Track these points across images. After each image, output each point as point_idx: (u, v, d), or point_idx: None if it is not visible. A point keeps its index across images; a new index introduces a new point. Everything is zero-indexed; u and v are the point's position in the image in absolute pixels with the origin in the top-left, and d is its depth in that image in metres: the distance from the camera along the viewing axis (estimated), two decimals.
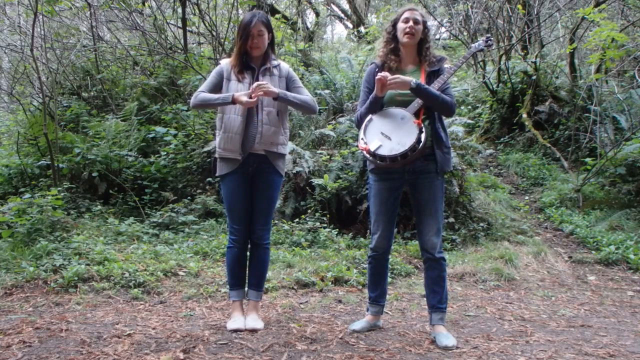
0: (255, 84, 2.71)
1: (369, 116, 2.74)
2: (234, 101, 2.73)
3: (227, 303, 3.32)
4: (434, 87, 2.63)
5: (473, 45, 2.92)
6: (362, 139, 2.71)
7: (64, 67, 7.00)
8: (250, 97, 2.71)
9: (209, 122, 6.08)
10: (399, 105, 2.69)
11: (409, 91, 2.66)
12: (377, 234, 2.78)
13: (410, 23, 2.70)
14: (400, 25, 2.74)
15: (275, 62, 2.91)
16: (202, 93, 2.84)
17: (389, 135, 2.63)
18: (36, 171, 5.69)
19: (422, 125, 2.60)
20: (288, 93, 2.82)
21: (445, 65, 2.74)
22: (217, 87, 2.88)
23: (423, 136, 2.58)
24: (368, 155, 2.68)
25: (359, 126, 2.81)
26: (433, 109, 2.70)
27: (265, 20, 2.83)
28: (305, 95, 2.90)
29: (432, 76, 2.71)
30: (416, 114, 2.63)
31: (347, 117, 6.22)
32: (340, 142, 5.96)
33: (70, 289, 3.44)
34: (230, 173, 2.84)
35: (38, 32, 6.03)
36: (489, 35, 2.98)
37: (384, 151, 2.62)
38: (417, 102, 2.64)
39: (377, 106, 2.73)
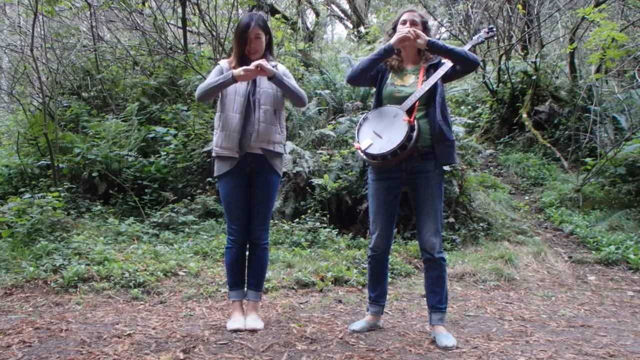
0: (254, 63, 2.71)
1: (365, 115, 2.79)
2: (234, 79, 2.73)
3: (227, 303, 3.32)
4: (431, 82, 2.63)
5: (474, 37, 2.91)
6: (355, 137, 2.76)
7: (64, 67, 7.01)
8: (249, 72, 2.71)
9: (209, 122, 6.08)
10: (397, 102, 2.70)
11: (407, 88, 2.68)
12: (376, 233, 2.79)
13: (408, 24, 2.72)
14: (400, 28, 2.74)
15: (273, 63, 2.91)
16: (202, 83, 2.84)
17: (380, 134, 2.66)
18: (36, 171, 5.69)
19: (415, 122, 2.60)
20: (283, 80, 2.81)
21: (444, 60, 2.74)
22: None
23: (414, 134, 2.58)
24: (362, 154, 2.71)
25: (351, 76, 2.81)
26: (457, 63, 2.67)
27: (262, 23, 2.84)
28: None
29: (430, 69, 2.72)
30: (409, 111, 2.64)
31: (347, 117, 6.22)
32: (340, 142, 5.96)
33: (70, 289, 3.44)
34: (227, 173, 2.84)
35: (38, 32, 6.03)
36: (491, 26, 2.96)
37: (373, 150, 2.64)
38: (411, 100, 2.64)
39: (384, 56, 2.72)
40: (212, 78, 2.86)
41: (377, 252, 2.82)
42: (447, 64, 2.69)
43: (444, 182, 2.83)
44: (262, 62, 2.71)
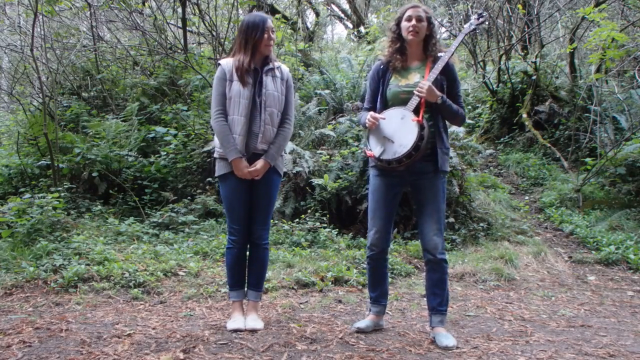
0: (254, 169, 2.78)
1: None
2: (232, 162, 2.77)
3: (227, 303, 3.32)
4: (430, 78, 2.61)
5: (466, 25, 2.87)
6: (366, 144, 2.74)
7: (64, 67, 7.00)
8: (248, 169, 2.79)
9: (209, 122, 6.07)
10: (403, 103, 2.67)
11: (413, 87, 2.66)
12: (374, 230, 2.77)
13: (414, 21, 2.67)
14: (404, 24, 2.71)
15: (276, 64, 2.92)
16: (221, 122, 2.80)
17: (391, 138, 2.63)
18: (36, 171, 5.69)
19: (423, 121, 2.59)
20: (276, 155, 2.86)
21: (440, 54, 2.72)
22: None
23: (425, 132, 2.57)
24: (376, 161, 2.69)
25: (364, 126, 2.88)
26: (448, 120, 2.74)
27: (271, 19, 2.88)
28: (286, 127, 2.92)
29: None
30: (416, 111, 2.62)
31: (347, 117, 6.22)
32: (340, 142, 5.96)
33: (70, 289, 3.44)
34: (230, 173, 2.84)
35: (38, 32, 6.03)
36: (481, 11, 2.91)
37: (388, 155, 2.63)
38: (415, 99, 2.62)
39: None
40: (219, 89, 2.82)
41: (375, 251, 2.80)
42: (444, 58, 2.66)
43: (446, 182, 2.82)
44: (257, 170, 2.79)
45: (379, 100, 2.80)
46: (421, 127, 2.56)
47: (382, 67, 2.81)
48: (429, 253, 2.68)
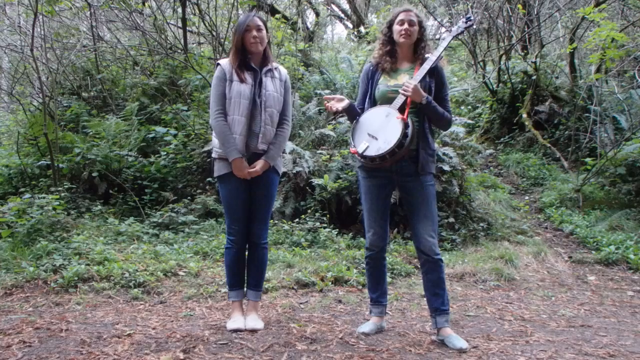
0: (254, 170, 2.80)
1: (356, 118, 2.78)
2: (232, 162, 2.77)
3: (227, 303, 3.32)
4: (417, 78, 2.62)
5: (453, 28, 2.89)
6: (350, 142, 2.75)
7: (64, 67, 7.00)
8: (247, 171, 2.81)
9: (209, 122, 6.08)
10: (391, 102, 2.68)
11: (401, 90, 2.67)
12: (371, 232, 2.78)
13: (406, 25, 2.69)
14: (396, 27, 2.73)
15: (274, 65, 2.93)
16: (221, 122, 2.79)
17: (375, 135, 2.64)
18: (36, 171, 5.69)
19: (408, 120, 2.59)
20: (276, 155, 2.88)
21: (427, 55, 2.72)
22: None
23: (409, 130, 2.57)
24: (359, 158, 2.70)
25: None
26: (433, 123, 2.74)
27: (261, 18, 2.86)
28: (285, 127, 2.94)
29: (426, 74, 2.70)
30: (401, 109, 2.62)
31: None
32: (340, 142, 5.96)
33: (70, 289, 3.44)
34: (229, 173, 2.84)
35: (38, 32, 6.03)
36: (468, 15, 2.93)
37: (371, 152, 2.63)
38: (401, 97, 2.62)
39: (350, 116, 2.82)
40: (218, 89, 2.81)
41: (374, 251, 2.81)
42: (432, 58, 2.67)
43: (435, 183, 2.83)
44: (257, 170, 2.81)
45: (367, 101, 2.81)
46: (405, 125, 2.57)
47: (371, 68, 2.83)
48: (425, 254, 2.67)
